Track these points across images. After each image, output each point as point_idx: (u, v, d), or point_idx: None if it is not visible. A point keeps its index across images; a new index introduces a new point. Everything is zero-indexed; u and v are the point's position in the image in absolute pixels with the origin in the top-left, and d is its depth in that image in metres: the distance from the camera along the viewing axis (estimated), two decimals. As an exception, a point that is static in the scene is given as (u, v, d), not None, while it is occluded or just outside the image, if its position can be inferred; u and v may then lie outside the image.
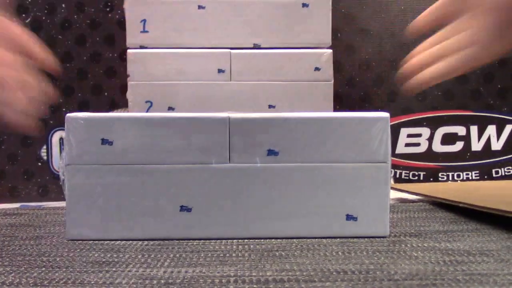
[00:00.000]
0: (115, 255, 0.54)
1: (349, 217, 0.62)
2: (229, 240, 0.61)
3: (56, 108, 1.12)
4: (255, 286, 0.43)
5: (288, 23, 0.82)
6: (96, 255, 0.55)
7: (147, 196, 0.62)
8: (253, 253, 0.55)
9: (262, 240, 0.61)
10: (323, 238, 0.62)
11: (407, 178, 1.18)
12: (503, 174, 1.19)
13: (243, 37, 0.82)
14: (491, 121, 1.18)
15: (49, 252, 0.56)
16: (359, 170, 0.62)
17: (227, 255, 0.54)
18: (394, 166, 1.18)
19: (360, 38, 1.17)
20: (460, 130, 1.18)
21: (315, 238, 0.62)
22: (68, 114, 0.62)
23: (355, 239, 0.61)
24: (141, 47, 0.81)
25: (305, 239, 0.61)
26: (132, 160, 0.62)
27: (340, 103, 1.14)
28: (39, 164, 1.12)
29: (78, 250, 0.57)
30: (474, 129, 1.18)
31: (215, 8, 0.82)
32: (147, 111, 0.80)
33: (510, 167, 1.19)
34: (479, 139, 1.19)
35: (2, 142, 1.12)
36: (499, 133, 1.19)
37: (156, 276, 0.46)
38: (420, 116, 1.18)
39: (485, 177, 1.19)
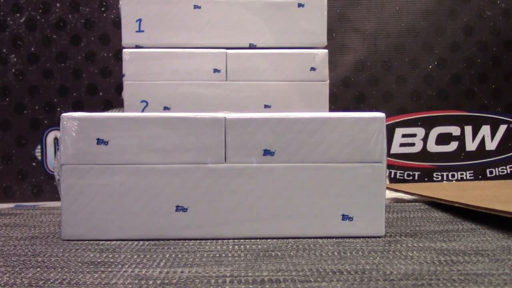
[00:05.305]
0: (110, 255, 0.54)
1: (344, 217, 0.62)
2: (225, 240, 0.61)
3: (51, 107, 1.11)
4: (251, 286, 0.43)
5: (283, 23, 0.82)
6: (91, 255, 0.54)
7: (143, 196, 0.61)
8: (249, 253, 0.55)
9: (258, 240, 0.61)
10: (319, 238, 0.62)
11: (402, 178, 1.18)
12: (497, 174, 1.19)
13: (238, 37, 0.82)
14: (485, 121, 1.19)
15: (44, 252, 0.56)
16: (355, 170, 0.62)
17: (223, 255, 0.54)
18: (389, 166, 1.18)
19: (355, 38, 1.17)
20: (455, 130, 1.19)
21: (311, 238, 0.62)
22: (63, 114, 0.62)
23: (350, 239, 0.62)
24: (137, 47, 0.81)
25: (301, 239, 0.61)
26: (128, 160, 0.62)
27: (335, 103, 1.15)
28: (34, 164, 1.12)
29: (73, 250, 0.57)
30: (468, 129, 1.19)
31: (211, 7, 0.82)
32: (142, 111, 0.80)
33: (504, 167, 1.19)
34: (473, 139, 1.19)
35: (-4, 142, 1.11)
36: (493, 133, 1.19)
37: (152, 276, 0.46)
38: (415, 116, 1.18)
39: (480, 177, 1.19)
